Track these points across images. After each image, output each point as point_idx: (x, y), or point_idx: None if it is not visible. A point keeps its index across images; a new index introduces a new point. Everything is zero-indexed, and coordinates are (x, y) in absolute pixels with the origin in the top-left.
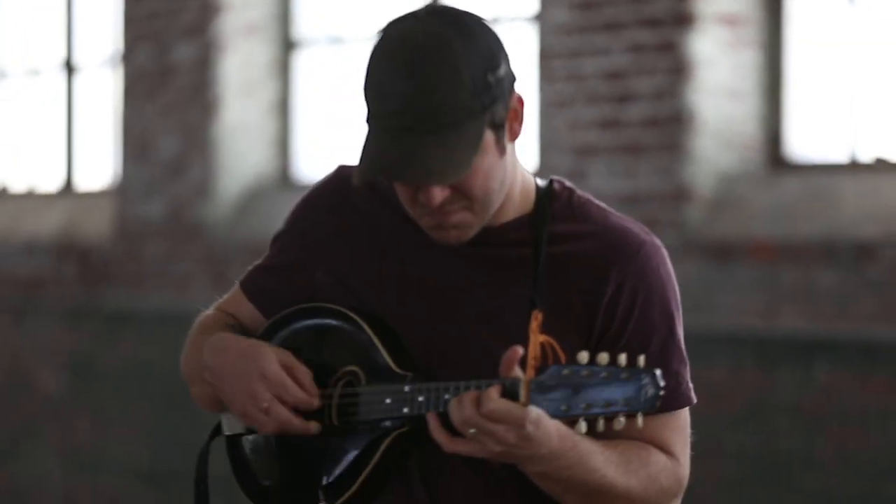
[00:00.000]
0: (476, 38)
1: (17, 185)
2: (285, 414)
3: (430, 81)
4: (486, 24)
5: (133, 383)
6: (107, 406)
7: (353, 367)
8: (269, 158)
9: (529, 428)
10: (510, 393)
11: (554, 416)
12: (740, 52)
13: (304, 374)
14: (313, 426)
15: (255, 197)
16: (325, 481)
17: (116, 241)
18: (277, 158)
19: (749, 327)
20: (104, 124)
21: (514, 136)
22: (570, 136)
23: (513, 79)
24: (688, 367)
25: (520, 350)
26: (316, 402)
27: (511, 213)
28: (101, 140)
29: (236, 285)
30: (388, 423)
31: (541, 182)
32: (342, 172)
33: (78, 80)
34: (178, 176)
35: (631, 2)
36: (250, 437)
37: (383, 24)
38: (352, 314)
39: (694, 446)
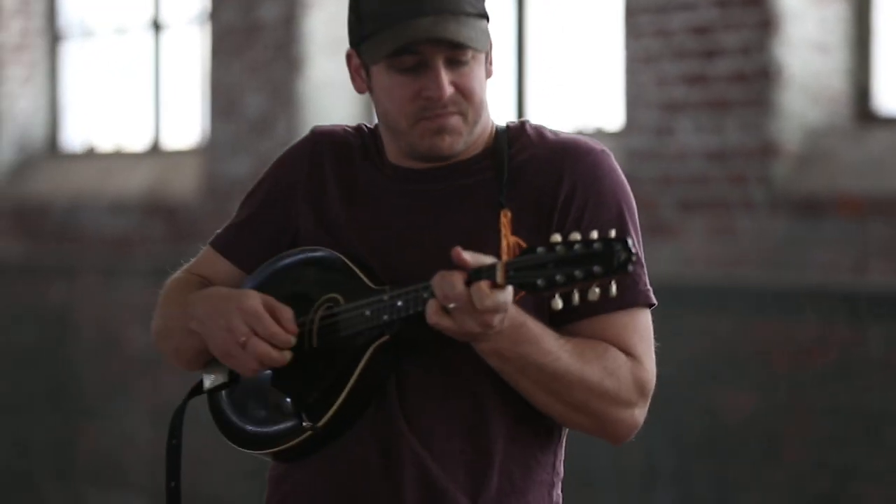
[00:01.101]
0: None
1: (105, 144)
2: (262, 346)
3: None
4: None
5: None
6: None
7: (333, 294)
8: (355, 116)
9: (511, 309)
10: (486, 277)
11: (529, 290)
12: (828, 6)
13: (285, 311)
14: (287, 355)
15: None
16: (305, 403)
17: (203, 199)
18: (363, 115)
19: (838, 283)
20: (191, 83)
21: (490, 73)
22: (656, 91)
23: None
24: (645, 270)
25: (458, 248)
26: (293, 340)
27: (473, 150)
28: (188, 98)
29: (206, 248)
30: (367, 334)
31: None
32: (316, 130)
33: (165, 38)
34: (265, 134)
35: None
36: (232, 386)
37: None
38: (329, 251)
39: (783, 403)
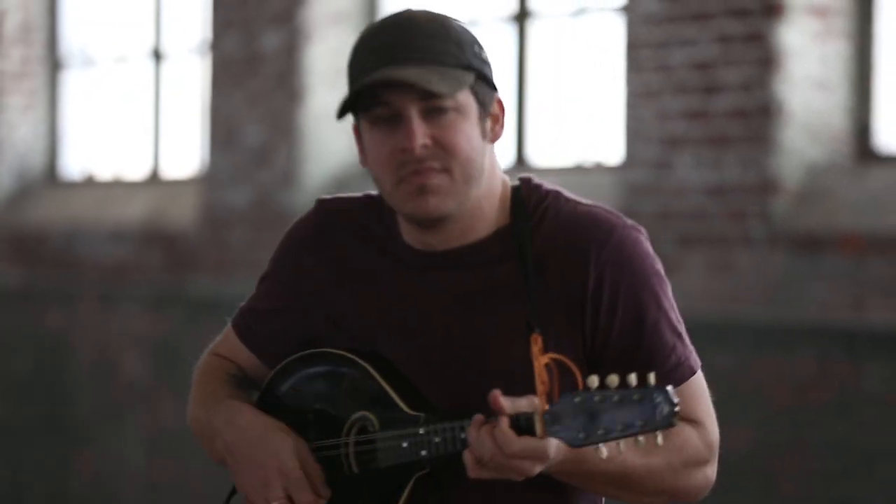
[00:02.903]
0: (467, 28)
1: (104, 173)
2: None
3: (422, 31)
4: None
5: None
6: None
7: (365, 413)
8: (354, 147)
9: (550, 456)
10: (524, 427)
11: (572, 445)
12: (829, 44)
13: (316, 473)
14: None
15: (339, 185)
16: None
17: (202, 228)
18: None
19: (837, 320)
20: (191, 112)
21: (495, 137)
22: (657, 126)
23: (495, 83)
24: (684, 334)
25: (497, 392)
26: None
27: (491, 225)
28: (188, 128)
29: (228, 326)
30: (407, 467)
31: (511, 183)
32: (323, 208)
33: (165, 67)
34: (264, 164)
35: None
36: None
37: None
38: (355, 357)
39: (781, 439)
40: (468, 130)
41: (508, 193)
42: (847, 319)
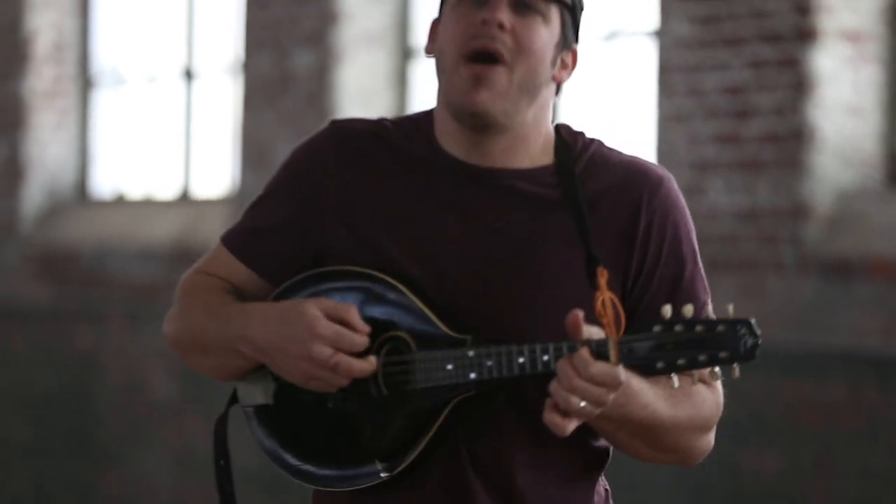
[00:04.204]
0: None
1: (135, 192)
2: (353, 362)
3: None
4: None
5: None
6: (218, 411)
7: (398, 333)
8: None
9: (622, 383)
10: (599, 354)
11: (649, 373)
12: (862, 69)
13: (350, 312)
14: (373, 360)
15: None
16: (380, 448)
17: None
18: None
19: (868, 346)
20: (222, 132)
21: (559, 79)
22: (688, 150)
23: (579, 34)
24: (709, 295)
25: (579, 312)
26: (368, 340)
27: (534, 159)
28: (219, 147)
29: (219, 248)
30: (450, 390)
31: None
32: (337, 126)
33: (197, 87)
34: None
35: (752, 16)
36: (275, 409)
37: None
38: (385, 277)
39: (810, 464)
40: (545, 41)
41: (552, 136)
42: (877, 345)
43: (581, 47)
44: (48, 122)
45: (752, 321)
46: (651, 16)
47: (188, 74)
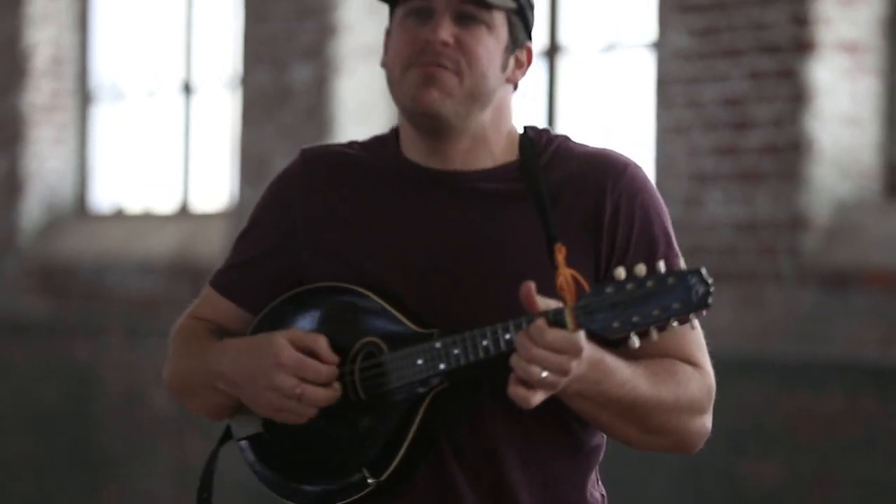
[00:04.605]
0: None
1: (134, 206)
2: (318, 392)
3: None
4: None
5: None
6: (217, 426)
7: (370, 339)
8: None
9: (583, 348)
10: (556, 322)
11: (604, 335)
12: (860, 80)
13: (318, 341)
14: (338, 387)
15: None
16: (365, 457)
17: None
18: None
19: (866, 356)
20: (220, 145)
21: (514, 79)
22: (687, 162)
23: (531, 33)
24: None
25: (531, 283)
26: (335, 371)
27: (496, 159)
28: (217, 161)
29: (206, 289)
30: (423, 384)
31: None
32: (308, 151)
33: (195, 101)
34: None
35: (750, 28)
36: (267, 436)
37: None
38: (353, 286)
39: (808, 475)
40: (492, 49)
41: (516, 135)
42: (875, 356)
43: (534, 43)
44: (47, 136)
45: (702, 270)
46: (649, 27)
47: (187, 89)
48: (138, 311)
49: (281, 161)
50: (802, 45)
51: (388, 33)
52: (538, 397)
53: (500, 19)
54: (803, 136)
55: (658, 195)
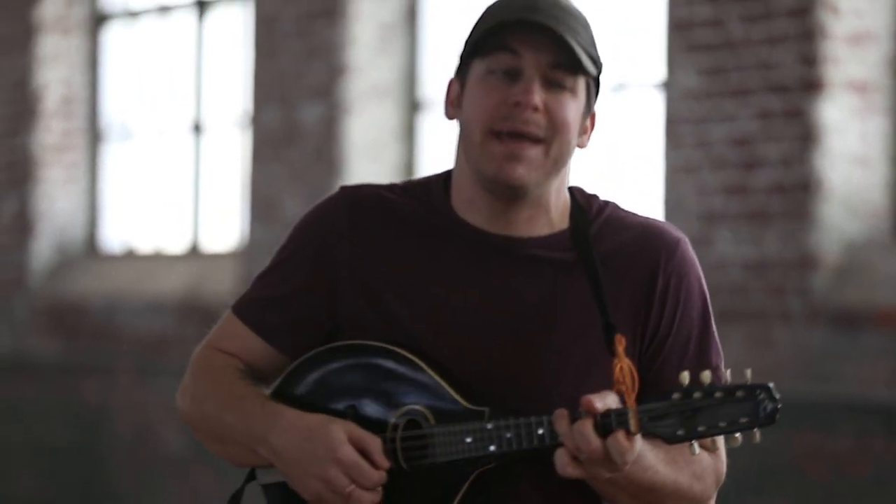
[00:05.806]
0: None
1: (144, 246)
2: (365, 497)
3: (567, 10)
4: None
5: None
6: (230, 466)
7: (415, 406)
8: None
9: (637, 451)
10: (620, 424)
11: (667, 441)
12: (868, 120)
13: (373, 444)
14: (381, 493)
15: None
16: None
17: None
18: None
19: (875, 396)
20: (231, 185)
21: (583, 145)
22: (696, 201)
23: (599, 94)
24: (723, 359)
25: (591, 398)
26: (385, 477)
27: (553, 225)
28: (228, 201)
29: (231, 319)
30: (470, 463)
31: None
32: (347, 191)
33: (205, 141)
34: None
35: (759, 68)
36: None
37: None
38: (404, 352)
39: None
40: (576, 115)
41: (568, 200)
42: (885, 395)
43: (597, 106)
44: (57, 176)
45: (771, 385)
46: (658, 67)
47: (196, 128)
48: (148, 350)
49: (290, 200)
50: (811, 85)
51: (459, 85)
52: (578, 472)
53: (581, 85)
54: (812, 176)
55: (702, 275)
